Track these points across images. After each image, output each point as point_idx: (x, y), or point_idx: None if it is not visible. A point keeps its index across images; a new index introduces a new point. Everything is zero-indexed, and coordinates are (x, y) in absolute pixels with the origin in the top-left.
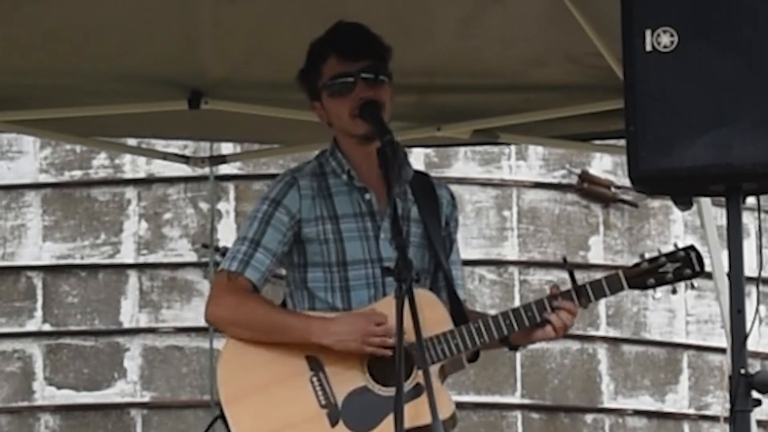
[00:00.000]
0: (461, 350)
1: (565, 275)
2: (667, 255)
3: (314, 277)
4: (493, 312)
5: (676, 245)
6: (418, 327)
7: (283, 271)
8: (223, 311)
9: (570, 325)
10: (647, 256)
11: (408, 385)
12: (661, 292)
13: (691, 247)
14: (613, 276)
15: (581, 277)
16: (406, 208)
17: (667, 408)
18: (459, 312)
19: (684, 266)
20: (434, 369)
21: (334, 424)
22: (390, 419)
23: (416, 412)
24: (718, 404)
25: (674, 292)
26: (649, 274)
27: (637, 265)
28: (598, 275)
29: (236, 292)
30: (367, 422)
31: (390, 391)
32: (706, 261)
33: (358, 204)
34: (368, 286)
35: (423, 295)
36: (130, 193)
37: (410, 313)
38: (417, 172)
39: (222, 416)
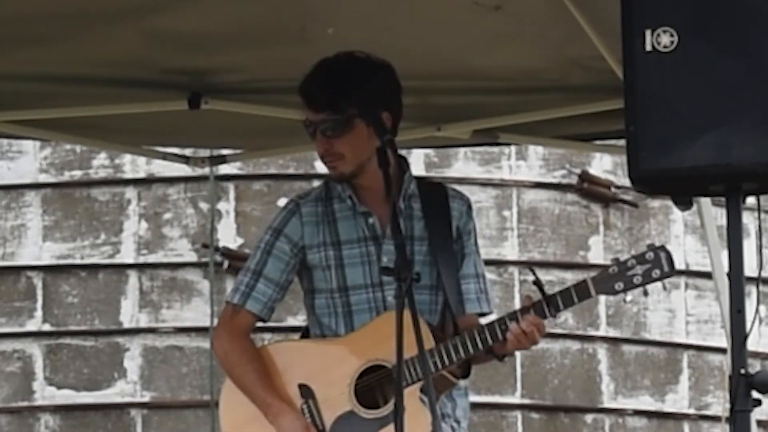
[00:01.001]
0: (438, 368)
1: (565, 275)
2: (636, 257)
3: (319, 303)
4: (494, 311)
5: (649, 246)
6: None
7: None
8: (219, 349)
9: (537, 338)
10: (620, 259)
11: (389, 408)
12: (661, 293)
13: (661, 248)
14: (581, 284)
15: (578, 278)
16: (409, 226)
17: (667, 408)
18: (454, 329)
19: (653, 267)
20: (414, 389)
21: None
22: None
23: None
24: (718, 404)
25: (645, 294)
26: (617, 278)
27: (606, 269)
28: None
29: (231, 333)
30: None
31: (374, 414)
32: (706, 261)
33: (362, 229)
34: (370, 310)
35: (406, 315)
36: (130, 193)
37: (415, 311)
38: (429, 184)
39: None
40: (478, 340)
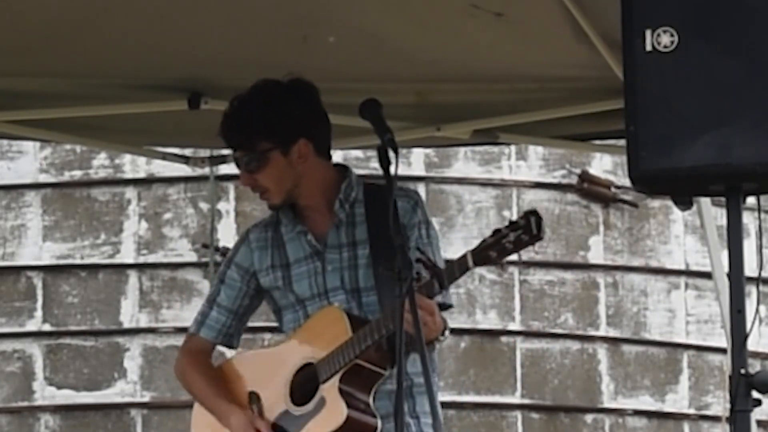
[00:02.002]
0: (351, 358)
1: (564, 275)
2: (509, 225)
3: (287, 319)
4: (494, 311)
5: (523, 212)
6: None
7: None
8: (178, 375)
9: (428, 318)
10: (498, 228)
11: (314, 401)
12: (661, 293)
13: (532, 212)
14: (461, 258)
15: (578, 278)
16: (350, 233)
17: (667, 408)
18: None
19: (523, 232)
20: (334, 381)
21: None
22: None
23: (320, 424)
24: (718, 404)
25: (501, 267)
26: (491, 248)
27: (483, 240)
28: (599, 275)
29: (186, 357)
30: None
31: (302, 410)
32: (706, 261)
33: (305, 246)
34: None
35: (328, 313)
36: (130, 193)
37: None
38: (377, 187)
39: None
40: (382, 326)
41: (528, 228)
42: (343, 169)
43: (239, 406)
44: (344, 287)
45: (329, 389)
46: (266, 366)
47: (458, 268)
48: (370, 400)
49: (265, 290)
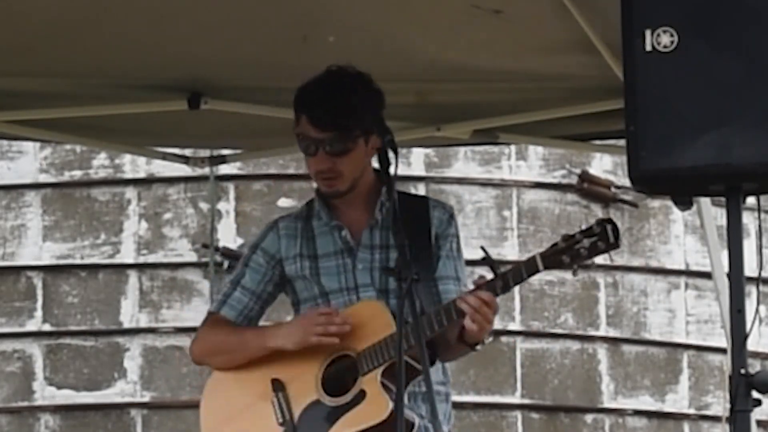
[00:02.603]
0: (391, 356)
1: (565, 275)
2: (583, 231)
3: (305, 310)
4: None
5: (597, 220)
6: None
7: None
8: (198, 344)
9: (488, 313)
10: (568, 233)
11: (352, 393)
12: (661, 293)
13: (608, 220)
14: (530, 260)
15: (581, 277)
16: (384, 236)
17: (667, 408)
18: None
19: (599, 239)
20: (376, 374)
21: None
22: (337, 425)
23: (360, 416)
24: (718, 404)
25: (575, 273)
26: (563, 253)
27: (554, 244)
28: (599, 275)
29: (209, 326)
30: (318, 431)
31: (338, 401)
32: (706, 261)
33: (337, 241)
34: None
35: (369, 305)
36: (130, 193)
37: (415, 308)
38: (412, 197)
39: None
40: (434, 321)
41: (604, 235)
42: (380, 174)
43: (262, 392)
44: (374, 285)
45: (370, 382)
46: (293, 354)
47: (526, 269)
48: (406, 397)
49: (288, 280)
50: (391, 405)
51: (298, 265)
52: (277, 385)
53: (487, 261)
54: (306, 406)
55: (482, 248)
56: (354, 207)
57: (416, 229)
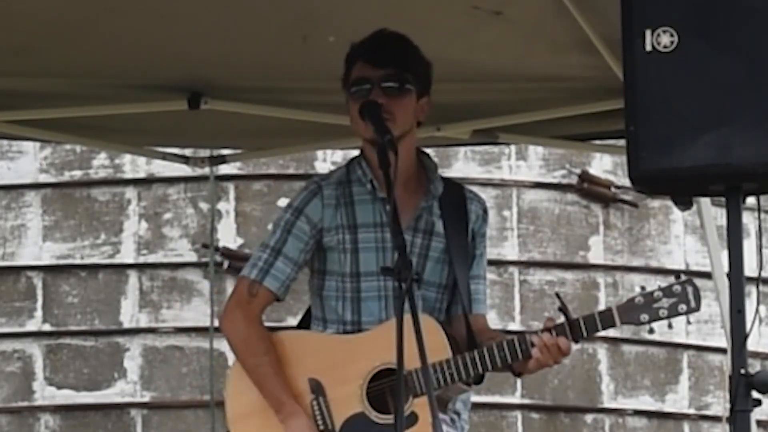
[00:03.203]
0: (455, 380)
1: (564, 275)
2: (663, 289)
3: (329, 285)
4: (494, 311)
5: (677, 276)
6: (422, 351)
7: None
8: (232, 333)
9: (559, 360)
10: (644, 290)
11: (392, 418)
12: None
13: (689, 281)
14: (606, 312)
15: (578, 278)
16: (429, 222)
17: (667, 408)
18: (469, 332)
19: (680, 302)
20: (425, 399)
21: None
22: None
23: None
24: (718, 404)
25: (670, 326)
26: (642, 310)
27: (631, 299)
28: (599, 275)
29: (249, 318)
30: None
31: (386, 419)
32: (706, 261)
33: (380, 214)
34: (379, 299)
35: (424, 320)
36: (130, 193)
37: (414, 339)
38: (450, 183)
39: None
40: (497, 357)
41: (685, 298)
42: (427, 157)
43: (297, 391)
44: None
45: (423, 406)
46: (332, 356)
47: (602, 322)
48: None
49: (321, 249)
50: None
51: (339, 237)
52: (316, 387)
53: (561, 307)
54: (349, 417)
55: (557, 295)
56: (397, 184)
57: (455, 219)
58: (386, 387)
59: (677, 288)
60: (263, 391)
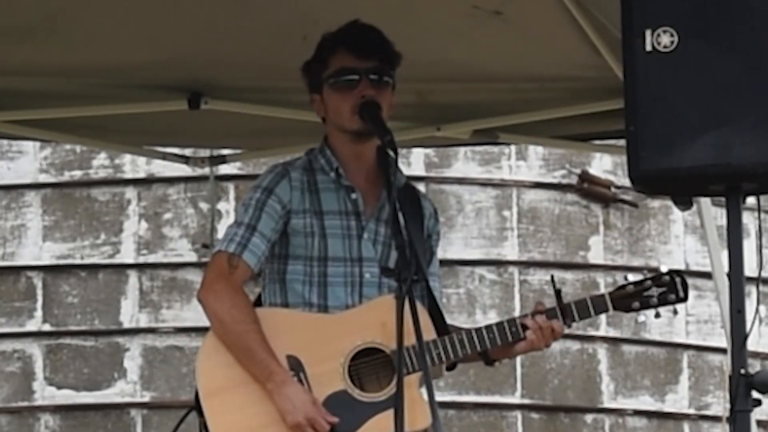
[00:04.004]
0: (442, 360)
1: (565, 275)
2: (652, 279)
3: (294, 269)
4: (494, 311)
5: (665, 270)
6: (419, 331)
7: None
8: (216, 304)
9: (550, 342)
10: (632, 279)
11: (387, 393)
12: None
13: (677, 272)
14: (599, 297)
15: (578, 278)
16: (390, 213)
17: (667, 408)
18: (440, 322)
19: (669, 291)
20: (415, 377)
21: None
22: (370, 423)
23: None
24: (718, 404)
25: (657, 316)
26: (633, 298)
27: (622, 287)
28: (599, 275)
29: (233, 288)
30: (346, 425)
31: (370, 397)
32: (706, 261)
33: (344, 202)
34: (345, 284)
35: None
36: (130, 193)
37: (416, 309)
38: (406, 183)
39: (198, 408)
40: (486, 338)
41: (674, 288)
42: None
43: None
44: (378, 260)
45: (409, 385)
46: (310, 334)
47: (594, 307)
48: None
49: (285, 233)
50: (430, 416)
51: (307, 221)
52: (295, 364)
53: (554, 290)
54: (331, 394)
55: (551, 278)
56: (362, 170)
57: (413, 216)
58: (370, 365)
59: (666, 278)
60: (251, 359)
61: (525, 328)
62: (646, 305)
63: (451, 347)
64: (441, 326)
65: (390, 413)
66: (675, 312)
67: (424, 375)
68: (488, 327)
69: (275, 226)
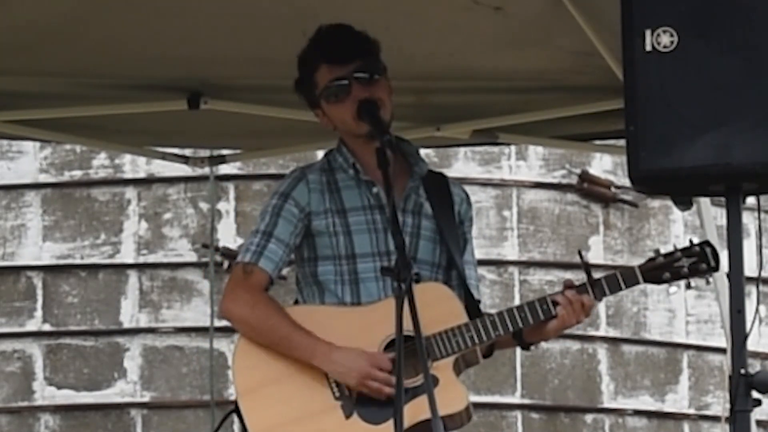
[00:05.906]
0: (476, 343)
1: (565, 275)
2: (682, 250)
3: (324, 270)
4: (493, 312)
5: (691, 241)
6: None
7: (284, 272)
8: (238, 309)
9: (582, 318)
10: (662, 251)
11: (421, 379)
12: (661, 293)
13: (707, 243)
14: (629, 270)
15: (578, 277)
16: (417, 202)
17: (667, 408)
18: (474, 309)
19: (699, 261)
20: (449, 362)
21: (348, 416)
22: (406, 409)
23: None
24: (718, 404)
25: (688, 286)
26: (664, 269)
27: (652, 259)
28: (599, 275)
29: (251, 290)
30: (381, 415)
31: (405, 383)
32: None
33: (366, 197)
34: (377, 279)
35: (437, 288)
36: (130, 193)
37: (415, 309)
38: (432, 171)
39: (236, 408)
40: (518, 318)
41: (704, 257)
42: (407, 143)
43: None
44: (408, 253)
45: (443, 369)
46: (344, 326)
47: (624, 280)
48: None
49: (310, 235)
50: (467, 397)
51: (329, 220)
52: None
53: (583, 265)
54: None
55: (579, 252)
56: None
57: (441, 203)
58: (405, 353)
59: (696, 249)
60: (290, 346)
61: (555, 304)
62: (677, 276)
63: (483, 329)
64: (474, 313)
65: (422, 398)
66: (708, 282)
67: (425, 375)
68: (519, 307)
69: (294, 230)
